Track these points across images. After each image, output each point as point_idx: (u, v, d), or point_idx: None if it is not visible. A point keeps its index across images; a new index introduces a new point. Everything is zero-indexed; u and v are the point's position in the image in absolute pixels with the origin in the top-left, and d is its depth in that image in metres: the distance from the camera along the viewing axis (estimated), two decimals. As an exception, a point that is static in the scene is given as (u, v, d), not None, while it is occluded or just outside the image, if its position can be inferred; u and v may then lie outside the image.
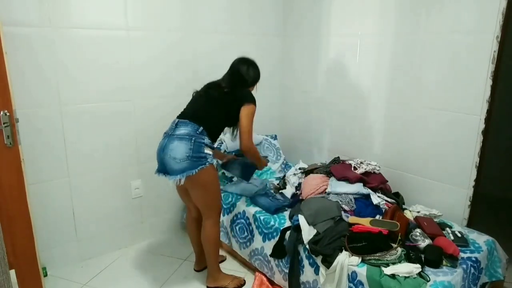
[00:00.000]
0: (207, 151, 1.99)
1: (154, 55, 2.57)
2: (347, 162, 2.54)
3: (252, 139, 2.10)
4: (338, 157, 2.70)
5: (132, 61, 2.48)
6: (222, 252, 2.57)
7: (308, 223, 2.03)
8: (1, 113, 1.55)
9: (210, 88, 2.17)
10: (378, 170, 2.44)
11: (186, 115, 2.07)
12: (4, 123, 1.56)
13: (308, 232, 1.98)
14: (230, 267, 2.49)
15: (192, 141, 1.94)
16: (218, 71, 2.87)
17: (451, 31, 2.17)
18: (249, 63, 2.21)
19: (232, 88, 2.13)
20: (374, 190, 2.32)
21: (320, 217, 2.04)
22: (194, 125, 1.98)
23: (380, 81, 2.58)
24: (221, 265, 2.42)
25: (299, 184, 2.52)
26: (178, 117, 2.09)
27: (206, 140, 1.99)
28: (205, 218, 2.14)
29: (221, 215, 2.51)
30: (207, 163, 1.97)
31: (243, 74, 2.17)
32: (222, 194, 2.57)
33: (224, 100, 2.10)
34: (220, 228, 2.21)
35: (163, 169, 2.02)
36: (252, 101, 2.10)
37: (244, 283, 2.28)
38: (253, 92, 2.23)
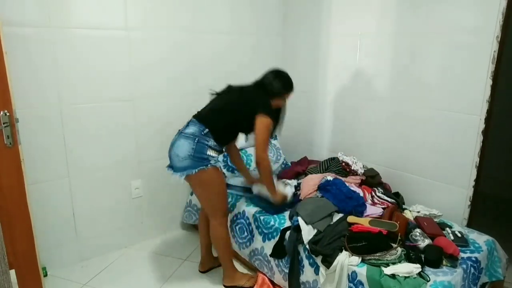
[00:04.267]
0: (211, 153, 1.98)
1: (154, 55, 2.56)
2: (343, 162, 2.56)
3: (267, 152, 2.06)
4: (337, 157, 2.69)
5: (132, 61, 2.48)
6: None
7: (306, 223, 2.03)
8: (1, 113, 1.55)
9: (229, 89, 2.16)
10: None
11: (198, 114, 2.09)
12: (4, 123, 1.56)
13: (308, 232, 1.98)
14: (230, 267, 2.49)
15: (196, 141, 1.95)
16: (217, 70, 2.90)
17: (451, 31, 2.17)
18: (277, 74, 2.18)
19: (251, 92, 2.11)
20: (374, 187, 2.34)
21: (316, 216, 2.06)
22: (200, 126, 1.99)
23: (380, 81, 2.58)
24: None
25: (299, 184, 2.52)
26: (193, 115, 2.10)
27: (211, 142, 1.98)
28: (211, 219, 2.16)
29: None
30: (208, 165, 1.96)
31: (265, 82, 2.14)
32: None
33: (239, 103, 2.09)
34: (227, 228, 2.20)
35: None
36: (269, 113, 2.03)
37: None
38: (280, 104, 2.19)
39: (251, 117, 2.02)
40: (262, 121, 2.01)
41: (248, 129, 2.08)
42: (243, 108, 2.07)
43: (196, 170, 1.94)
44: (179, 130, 2.09)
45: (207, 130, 1.98)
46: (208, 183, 2.02)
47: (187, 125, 2.05)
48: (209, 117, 2.04)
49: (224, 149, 2.21)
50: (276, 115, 2.19)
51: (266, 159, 2.06)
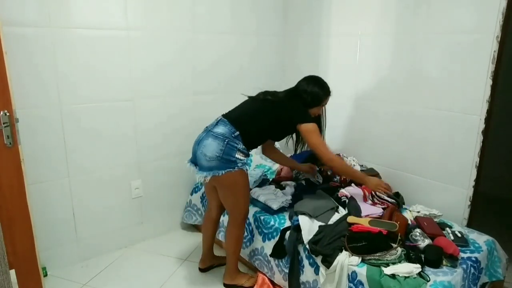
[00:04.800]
0: (239, 156, 1.96)
1: (154, 55, 2.56)
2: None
3: (329, 151, 2.05)
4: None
5: (132, 61, 2.48)
6: (222, 253, 2.58)
7: (310, 216, 2.06)
8: (1, 113, 1.55)
9: (266, 95, 2.12)
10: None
11: (229, 115, 2.06)
12: (4, 123, 1.56)
13: (308, 232, 1.98)
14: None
15: (225, 142, 1.93)
16: (217, 70, 2.90)
17: (451, 31, 2.17)
18: (312, 81, 2.14)
19: (286, 102, 2.08)
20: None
21: (319, 210, 2.12)
22: (231, 128, 1.97)
23: (380, 81, 2.58)
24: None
25: (298, 185, 2.52)
26: (223, 115, 2.08)
27: (240, 146, 1.96)
28: (230, 219, 2.16)
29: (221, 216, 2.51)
30: (236, 167, 1.95)
31: (300, 90, 2.11)
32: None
33: (273, 111, 2.06)
34: (243, 230, 2.19)
35: (195, 160, 2.05)
36: (310, 119, 2.03)
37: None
38: (318, 111, 2.18)
39: (285, 126, 2.05)
40: (307, 129, 2.00)
41: (278, 137, 2.07)
42: (278, 117, 2.05)
43: (223, 172, 1.92)
44: (206, 127, 2.07)
45: (237, 133, 1.96)
46: (233, 186, 2.00)
47: (216, 123, 2.02)
48: (241, 121, 2.01)
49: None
50: (316, 122, 2.15)
51: (334, 159, 2.07)
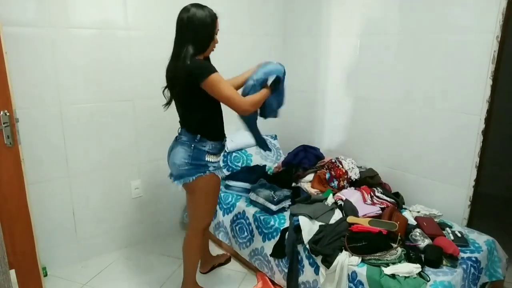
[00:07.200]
0: (209, 158, 1.87)
1: (154, 55, 2.56)
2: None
3: (241, 98, 1.80)
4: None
5: (132, 61, 2.48)
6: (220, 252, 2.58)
7: (311, 217, 2.07)
8: (1, 113, 1.55)
9: (168, 84, 1.91)
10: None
11: (182, 122, 1.95)
12: (4, 123, 1.56)
13: (308, 232, 1.98)
14: (230, 266, 2.50)
15: (192, 147, 1.84)
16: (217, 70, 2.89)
17: (451, 31, 2.17)
18: (186, 14, 1.82)
19: (180, 71, 1.78)
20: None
21: (318, 212, 2.13)
22: (190, 134, 1.86)
23: (380, 81, 2.58)
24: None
25: (296, 186, 2.52)
26: (179, 122, 1.97)
27: (208, 147, 1.86)
28: (190, 228, 2.03)
29: (221, 216, 2.51)
30: (207, 171, 1.86)
31: (182, 50, 1.81)
32: (224, 193, 2.57)
33: (184, 90, 1.79)
34: (202, 240, 2.08)
35: None
36: (208, 72, 1.72)
37: None
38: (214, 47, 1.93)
39: (199, 92, 1.75)
40: (211, 83, 1.71)
41: (211, 101, 1.82)
42: (190, 90, 1.77)
43: (194, 178, 1.84)
44: (176, 136, 1.99)
45: (199, 136, 1.85)
46: (202, 192, 1.90)
47: (181, 132, 1.93)
48: (189, 123, 1.88)
49: (225, 148, 2.04)
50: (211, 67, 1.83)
51: (249, 104, 1.80)
